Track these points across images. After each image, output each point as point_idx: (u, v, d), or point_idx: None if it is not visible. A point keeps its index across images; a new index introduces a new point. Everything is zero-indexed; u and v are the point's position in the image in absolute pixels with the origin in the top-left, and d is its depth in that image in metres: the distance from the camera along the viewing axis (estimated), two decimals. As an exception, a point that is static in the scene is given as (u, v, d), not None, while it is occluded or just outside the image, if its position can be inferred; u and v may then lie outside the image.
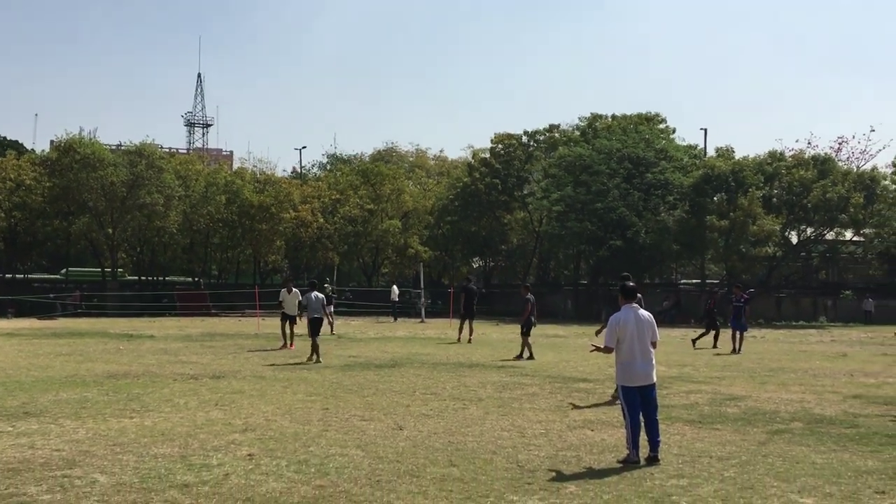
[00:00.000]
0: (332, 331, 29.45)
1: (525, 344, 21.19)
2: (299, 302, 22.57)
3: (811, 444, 9.94)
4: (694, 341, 25.80)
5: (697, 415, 12.11)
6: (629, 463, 8.75)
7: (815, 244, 51.85)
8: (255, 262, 58.63)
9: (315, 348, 19.93)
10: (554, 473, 8.34)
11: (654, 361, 9.20)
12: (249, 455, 9.01)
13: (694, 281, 57.00)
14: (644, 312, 9.30)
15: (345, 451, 9.22)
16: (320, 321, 20.72)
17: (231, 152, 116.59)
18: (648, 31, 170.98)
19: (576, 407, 12.76)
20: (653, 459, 8.81)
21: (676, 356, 22.34)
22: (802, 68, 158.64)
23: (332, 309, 31.23)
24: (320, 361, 19.39)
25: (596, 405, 13.04)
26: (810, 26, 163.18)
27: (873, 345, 28.59)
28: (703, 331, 26.37)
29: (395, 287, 45.99)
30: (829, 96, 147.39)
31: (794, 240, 50.96)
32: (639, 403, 9.01)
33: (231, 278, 60.31)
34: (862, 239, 50.48)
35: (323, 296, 21.38)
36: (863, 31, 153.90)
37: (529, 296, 22.14)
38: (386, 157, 73.27)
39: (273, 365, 18.77)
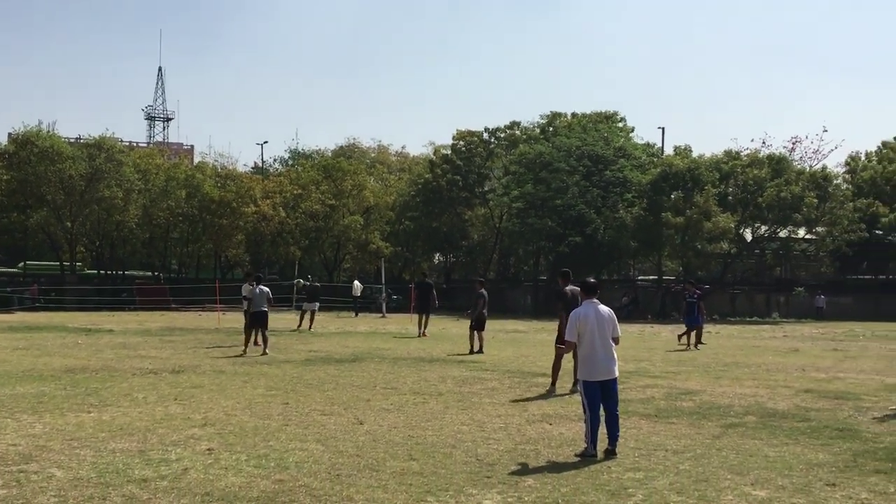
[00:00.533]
0: (310, 327, 29.37)
1: (472, 337, 21.29)
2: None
3: (764, 437, 10.07)
4: (680, 337, 25.52)
5: (654, 409, 12.21)
6: (587, 457, 8.80)
7: (769, 242, 52.56)
8: (216, 257, 58.17)
9: (247, 340, 20.22)
10: (513, 467, 8.36)
11: (615, 356, 9.24)
12: (209, 449, 8.92)
13: (651, 277, 57.58)
14: (604, 308, 9.33)
15: (305, 446, 9.17)
16: (265, 315, 20.59)
17: (192, 146, 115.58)
18: (608, 29, 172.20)
19: (518, 400, 12.83)
20: (610, 453, 8.87)
21: (633, 351, 22.52)
22: (758, 68, 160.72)
23: (318, 306, 31.11)
24: (262, 355, 19.40)
25: (541, 398, 13.12)
26: (766, 27, 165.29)
27: (824, 340, 29.05)
28: (684, 328, 26.21)
29: (356, 282, 45.86)
30: (785, 97, 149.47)
31: (749, 237, 51.61)
32: (599, 398, 9.04)
33: (191, 273, 59.76)
34: (814, 237, 51.30)
35: (268, 289, 21.14)
36: (816, 32, 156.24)
37: (482, 291, 22.25)
38: (348, 152, 73.01)
39: (233, 359, 18.62)
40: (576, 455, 8.90)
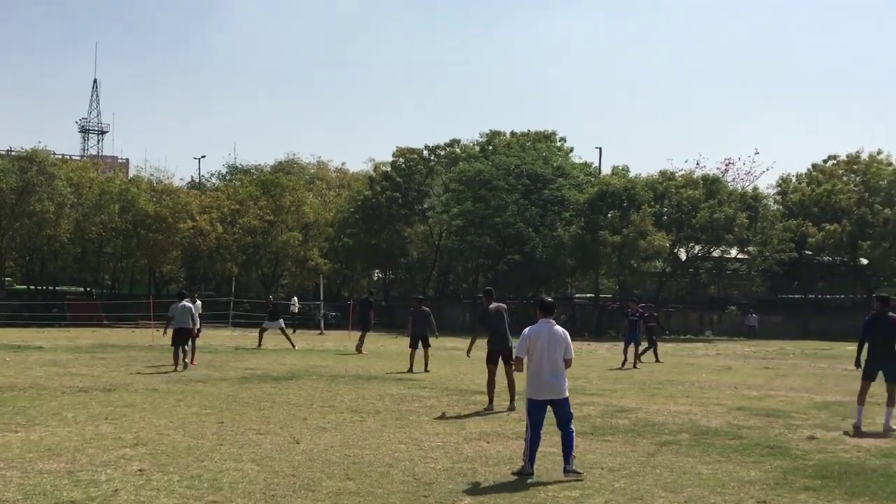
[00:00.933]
0: (293, 345, 28.95)
1: (412, 356, 21.26)
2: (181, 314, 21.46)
3: (697, 455, 10.21)
4: (638, 357, 25.50)
5: (590, 426, 12.30)
6: (523, 475, 8.81)
7: (703, 261, 53.48)
8: (150, 273, 57.15)
9: (176, 357, 20.10)
10: (450, 486, 8.34)
11: (563, 376, 9.17)
12: (140, 470, 8.74)
13: (588, 295, 58.10)
14: (559, 329, 9.26)
15: (239, 466, 9.04)
16: (187, 331, 20.62)
17: (127, 160, 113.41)
18: (548, 50, 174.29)
19: (445, 417, 12.85)
20: (569, 472, 8.80)
21: (570, 369, 22.63)
22: (693, 90, 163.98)
23: (282, 323, 30.73)
24: (180, 370, 19.55)
25: (474, 415, 13.14)
26: (700, 49, 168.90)
27: (756, 358, 29.61)
28: (645, 345, 26.54)
29: (295, 299, 45.50)
30: (719, 119, 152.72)
31: (683, 256, 52.47)
32: (541, 418, 9.02)
33: (125, 288, 58.63)
34: (746, 256, 52.34)
35: (190, 305, 20.97)
36: (749, 55, 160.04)
37: (415, 308, 22.22)
38: (287, 168, 72.40)
39: (166, 377, 18.28)
40: (512, 473, 8.93)
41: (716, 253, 52.33)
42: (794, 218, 52.26)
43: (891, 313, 12.83)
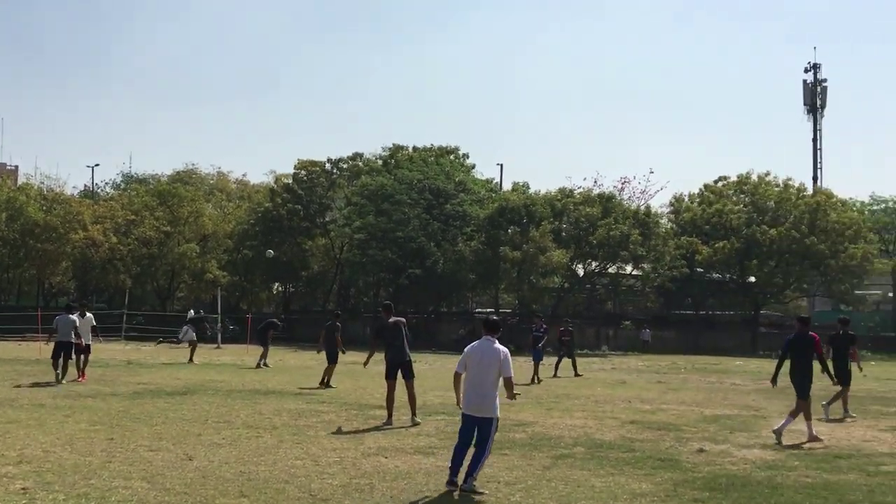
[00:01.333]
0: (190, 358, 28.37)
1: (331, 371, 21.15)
2: (75, 327, 20.82)
3: (592, 468, 10.37)
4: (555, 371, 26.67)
5: (488, 441, 12.35)
6: (448, 484, 8.81)
7: (600, 277, 54.58)
8: (39, 284, 55.14)
9: (55, 367, 19.77)
10: (346, 502, 8.27)
11: (490, 396, 9.03)
12: (23, 489, 8.39)
13: (488, 309, 58.56)
14: (499, 347, 9.15)
15: (129, 484, 8.76)
16: (69, 345, 20.13)
17: (16, 167, 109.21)
18: (450, 67, 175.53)
19: (342, 432, 12.77)
20: (464, 489, 8.78)
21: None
22: (593, 110, 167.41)
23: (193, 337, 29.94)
24: (62, 383, 19.28)
25: (373, 429, 13.08)
26: (599, 70, 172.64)
27: (649, 373, 30.32)
28: (557, 359, 27.37)
29: (191, 312, 44.43)
30: (616, 139, 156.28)
31: (581, 272, 53.43)
32: (467, 430, 9.02)
33: (12, 300, 56.35)
34: (641, 273, 53.64)
35: (75, 318, 20.49)
36: (646, 78, 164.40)
37: (329, 322, 22.19)
38: (185, 178, 70.89)
39: (53, 392, 17.61)
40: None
41: (612, 269, 53.51)
42: (687, 236, 53.80)
43: (811, 333, 13.56)
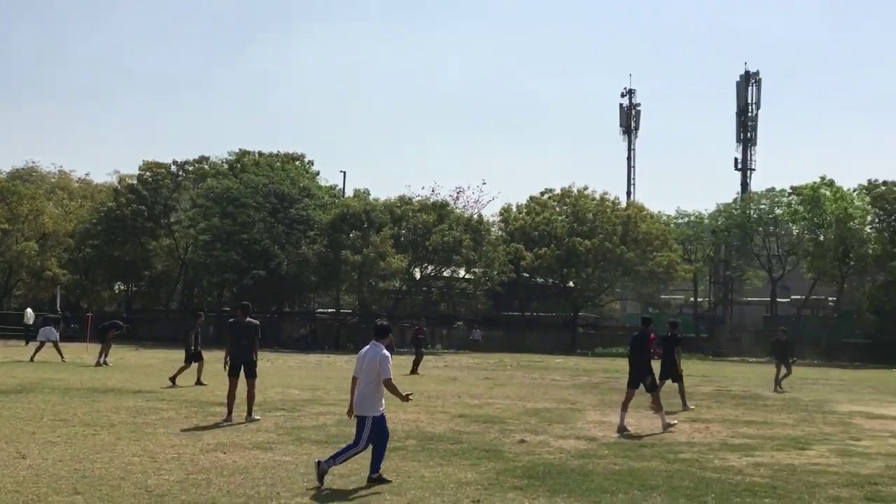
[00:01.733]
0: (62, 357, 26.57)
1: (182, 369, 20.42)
2: None
3: (422, 459, 10.47)
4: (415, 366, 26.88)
5: (325, 435, 12.28)
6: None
7: (435, 280, 55.27)
8: None
9: None
10: (183, 497, 8.01)
11: (370, 397, 9.08)
12: None
13: (330, 310, 58.24)
14: (380, 351, 9.17)
15: (-44, 484, 8.17)
16: None
17: None
18: (293, 76, 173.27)
19: (182, 429, 12.42)
20: (372, 480, 8.92)
21: (310, 380, 22.59)
22: (429, 121, 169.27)
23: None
24: None
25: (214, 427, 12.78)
26: (435, 81, 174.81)
27: (478, 370, 30.90)
28: (415, 357, 28.06)
29: (29, 310, 41.89)
30: (452, 150, 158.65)
31: (418, 276, 53.91)
32: (357, 431, 9.13)
33: None
34: (473, 277, 54.69)
35: None
36: (478, 92, 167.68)
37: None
38: (25, 175, 66.76)
39: None
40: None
41: (446, 273, 54.31)
42: (516, 243, 55.23)
43: (649, 332, 14.33)
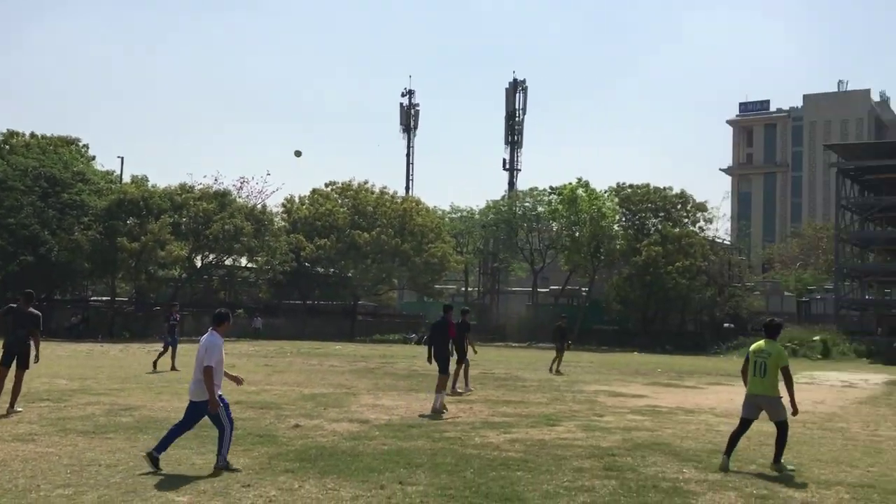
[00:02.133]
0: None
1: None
2: None
3: (195, 447, 10.09)
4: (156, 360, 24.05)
5: (92, 425, 11.59)
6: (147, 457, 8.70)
7: (217, 268, 53.55)
8: None
9: None
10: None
11: (199, 383, 8.86)
12: None
13: (104, 298, 54.86)
14: (211, 339, 8.98)
15: None
16: None
17: None
18: (77, 56, 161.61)
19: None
20: (218, 467, 8.71)
21: (80, 370, 21.21)
22: (216, 112, 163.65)
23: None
24: None
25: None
26: (219, 72, 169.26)
27: (258, 357, 30.32)
28: (162, 350, 24.93)
29: None
30: (237, 139, 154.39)
31: (199, 263, 51.98)
32: (187, 415, 9.05)
33: None
34: (255, 266, 53.48)
35: None
36: (262, 85, 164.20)
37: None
38: None
39: None
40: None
41: (228, 261, 52.74)
42: (298, 233, 54.62)
43: (452, 320, 14.90)
